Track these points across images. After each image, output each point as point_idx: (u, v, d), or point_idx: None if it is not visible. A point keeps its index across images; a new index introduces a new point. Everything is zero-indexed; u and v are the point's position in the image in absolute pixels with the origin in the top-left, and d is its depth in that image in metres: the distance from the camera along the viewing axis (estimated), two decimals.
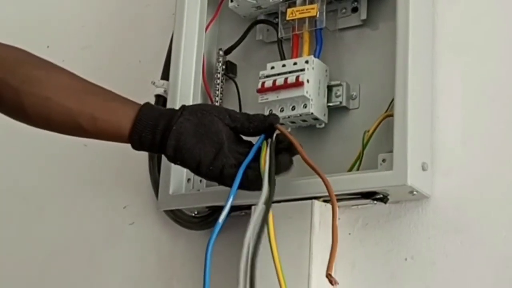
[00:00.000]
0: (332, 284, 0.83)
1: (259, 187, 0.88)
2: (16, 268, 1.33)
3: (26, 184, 1.36)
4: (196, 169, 0.90)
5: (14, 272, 1.33)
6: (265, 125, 0.93)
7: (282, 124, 0.98)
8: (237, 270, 0.85)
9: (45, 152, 1.35)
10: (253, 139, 0.94)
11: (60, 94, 0.91)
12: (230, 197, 0.88)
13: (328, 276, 0.83)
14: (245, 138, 0.95)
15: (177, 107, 1.08)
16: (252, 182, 0.89)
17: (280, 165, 0.90)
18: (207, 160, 0.89)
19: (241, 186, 0.90)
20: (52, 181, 1.34)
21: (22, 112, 0.92)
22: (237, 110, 1.09)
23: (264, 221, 0.86)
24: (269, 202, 0.87)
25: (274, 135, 0.93)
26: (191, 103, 1.10)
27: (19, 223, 1.35)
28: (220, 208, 1.07)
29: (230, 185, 0.89)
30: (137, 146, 0.91)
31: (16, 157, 1.39)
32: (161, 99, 1.17)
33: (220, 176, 0.90)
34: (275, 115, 0.95)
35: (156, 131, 0.89)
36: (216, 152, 0.89)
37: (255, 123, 0.92)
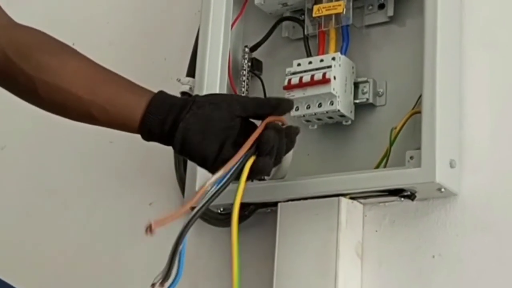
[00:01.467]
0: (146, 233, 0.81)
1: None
2: (44, 261, 1.33)
3: (54, 180, 1.37)
4: (202, 164, 0.91)
5: (42, 265, 1.33)
6: (275, 112, 0.91)
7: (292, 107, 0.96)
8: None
9: (73, 149, 1.36)
10: None
11: (74, 84, 0.91)
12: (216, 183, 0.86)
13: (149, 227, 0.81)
14: None
15: None
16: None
17: (255, 169, 0.88)
18: (211, 156, 0.89)
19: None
20: (78, 177, 1.34)
21: (36, 98, 0.93)
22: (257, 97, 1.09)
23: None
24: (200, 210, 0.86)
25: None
26: None
27: (46, 218, 1.36)
28: (248, 205, 1.09)
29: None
30: (146, 138, 0.92)
31: (44, 154, 1.40)
32: (186, 96, 1.17)
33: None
34: (289, 101, 0.94)
35: (164, 125, 0.89)
36: (221, 148, 0.88)
37: (266, 111, 0.91)
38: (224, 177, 0.86)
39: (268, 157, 0.88)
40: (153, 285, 0.81)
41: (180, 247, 0.84)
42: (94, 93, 0.91)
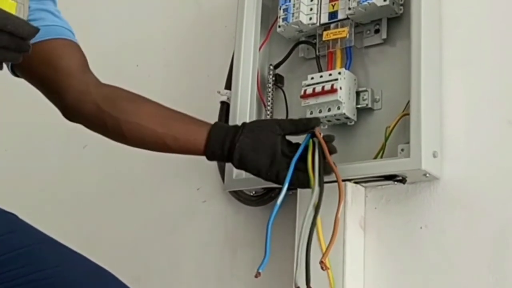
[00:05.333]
0: (323, 270, 0.81)
1: (308, 186, 0.89)
2: (116, 238, 1.33)
3: (123, 174, 1.37)
4: (257, 175, 0.93)
5: (114, 241, 1.33)
6: (308, 128, 0.93)
7: (321, 123, 0.97)
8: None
9: (137, 149, 1.37)
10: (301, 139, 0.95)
11: (150, 121, 0.93)
12: (282, 193, 0.88)
13: (321, 263, 0.81)
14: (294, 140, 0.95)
15: (237, 111, 1.10)
16: (302, 183, 0.91)
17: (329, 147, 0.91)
18: (264, 168, 0.91)
19: (293, 186, 0.91)
20: (142, 169, 1.34)
21: (121, 136, 0.95)
22: (286, 114, 1.11)
23: (313, 224, 0.86)
24: (318, 206, 0.87)
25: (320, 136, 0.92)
26: (248, 108, 1.11)
27: (117, 202, 1.36)
28: (273, 190, 1.09)
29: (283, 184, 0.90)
30: (210, 158, 0.94)
31: (118, 154, 1.39)
32: (225, 105, 1.17)
33: (276, 179, 0.92)
34: (316, 118, 0.95)
35: (224, 147, 0.91)
36: (271, 161, 0.90)
37: (300, 128, 0.93)
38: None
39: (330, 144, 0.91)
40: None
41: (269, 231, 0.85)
42: (167, 127, 0.93)
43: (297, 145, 0.94)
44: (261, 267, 0.83)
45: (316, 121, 0.93)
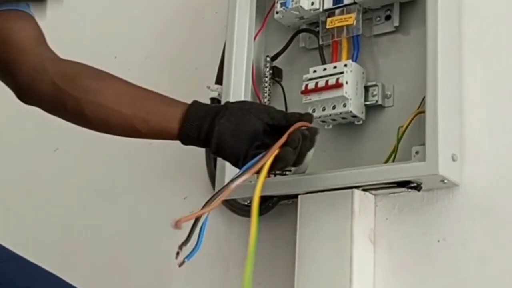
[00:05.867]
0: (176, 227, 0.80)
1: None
2: (95, 249, 1.34)
3: (101, 179, 1.37)
4: (235, 164, 0.92)
5: (91, 255, 1.34)
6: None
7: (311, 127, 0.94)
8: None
9: (118, 152, 1.36)
10: None
11: (116, 101, 0.92)
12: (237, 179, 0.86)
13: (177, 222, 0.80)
14: None
15: None
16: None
17: (279, 158, 0.88)
18: (242, 157, 0.90)
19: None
20: (123, 176, 1.34)
21: (83, 118, 0.94)
22: (280, 109, 1.10)
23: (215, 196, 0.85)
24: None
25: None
26: None
27: (95, 213, 1.36)
28: (271, 198, 1.09)
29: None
30: (185, 142, 0.93)
31: (93, 157, 1.40)
32: (215, 102, 1.16)
33: None
34: (309, 114, 0.94)
35: (201, 130, 0.90)
36: (249, 149, 0.89)
37: (291, 122, 0.91)
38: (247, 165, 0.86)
39: (290, 148, 0.88)
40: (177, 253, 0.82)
41: (203, 219, 0.84)
42: (135, 108, 0.92)
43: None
44: (189, 256, 0.82)
45: (308, 117, 0.93)
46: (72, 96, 0.92)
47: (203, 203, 0.85)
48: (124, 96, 0.93)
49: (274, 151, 0.87)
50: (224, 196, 0.86)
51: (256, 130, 0.89)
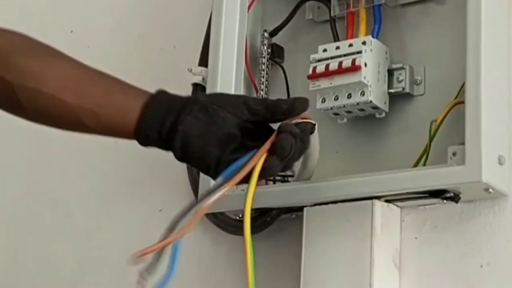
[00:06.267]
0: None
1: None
2: (46, 278, 1.35)
3: (54, 188, 1.38)
4: (206, 172, 0.92)
5: (44, 282, 1.35)
6: (288, 116, 0.90)
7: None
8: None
9: (73, 153, 1.37)
10: None
11: (58, 88, 0.91)
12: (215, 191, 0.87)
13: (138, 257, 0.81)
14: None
15: None
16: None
17: (265, 169, 0.87)
18: (214, 164, 0.89)
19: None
20: (80, 183, 1.36)
21: (17, 107, 0.93)
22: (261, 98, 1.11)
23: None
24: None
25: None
26: (232, 93, 1.11)
27: (47, 230, 1.38)
28: (270, 210, 1.09)
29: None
30: (143, 143, 0.92)
31: (41, 159, 1.40)
32: (199, 88, 1.18)
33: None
34: (301, 101, 0.92)
35: (162, 129, 0.90)
36: (222, 154, 0.89)
37: (277, 116, 0.90)
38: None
39: (275, 156, 0.87)
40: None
41: (171, 241, 0.85)
42: (82, 97, 0.91)
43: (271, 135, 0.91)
44: (160, 286, 0.83)
45: (301, 106, 0.91)
46: (4, 80, 0.91)
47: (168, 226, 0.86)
48: (69, 80, 0.92)
49: (256, 161, 0.86)
50: (196, 218, 0.85)
51: (230, 131, 0.89)
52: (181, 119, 0.89)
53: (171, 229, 0.86)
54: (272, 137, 0.88)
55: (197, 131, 0.89)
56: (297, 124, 0.89)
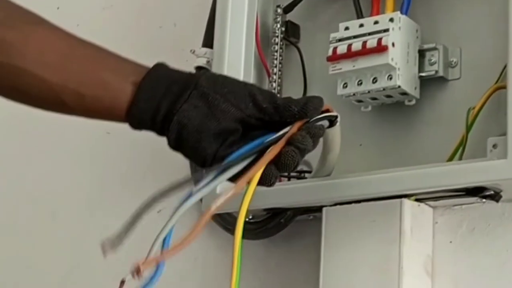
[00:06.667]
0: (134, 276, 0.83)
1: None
2: (32, 283, 1.37)
3: (39, 185, 1.39)
4: (201, 166, 0.91)
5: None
6: (299, 118, 0.89)
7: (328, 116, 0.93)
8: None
9: (61, 144, 1.37)
10: None
11: (37, 63, 0.90)
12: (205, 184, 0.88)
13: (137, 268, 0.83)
14: None
15: None
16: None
17: (263, 177, 0.88)
18: (211, 158, 0.89)
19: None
20: (69, 180, 1.36)
21: None
22: (303, 87, 1.12)
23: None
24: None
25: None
26: (241, 77, 1.12)
27: (32, 231, 1.38)
28: (285, 211, 1.09)
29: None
30: (136, 128, 0.92)
31: (21, 151, 1.41)
32: None
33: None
34: (315, 103, 0.90)
35: (156, 116, 0.89)
36: (220, 146, 0.89)
37: (287, 119, 0.89)
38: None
39: (274, 167, 0.88)
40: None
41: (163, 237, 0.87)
42: (65, 74, 0.90)
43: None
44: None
45: (314, 107, 0.89)
46: None
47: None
48: (50, 54, 0.90)
49: (257, 170, 0.87)
50: (198, 229, 0.87)
51: (229, 126, 0.89)
52: (178, 107, 0.88)
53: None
54: (271, 153, 0.87)
55: (193, 124, 0.88)
56: (309, 128, 0.89)
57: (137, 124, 0.91)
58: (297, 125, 0.88)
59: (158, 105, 0.89)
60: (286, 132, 0.88)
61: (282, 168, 0.87)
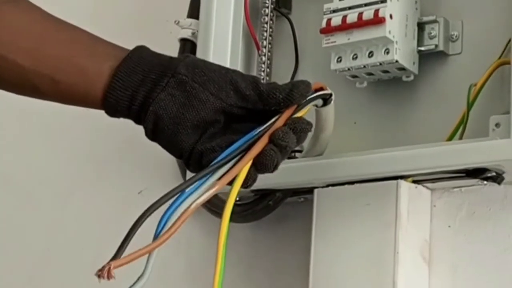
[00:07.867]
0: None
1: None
2: (6, 269, 1.37)
3: (9, 168, 1.40)
4: (179, 158, 0.93)
5: (3, 274, 1.37)
6: (285, 105, 0.89)
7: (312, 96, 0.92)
8: None
9: (36, 125, 1.37)
10: None
11: (10, 45, 0.90)
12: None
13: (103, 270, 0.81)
14: None
15: (210, 55, 1.10)
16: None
17: (249, 175, 0.88)
18: (188, 152, 0.90)
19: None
20: (42, 162, 1.36)
21: None
22: (295, 63, 1.12)
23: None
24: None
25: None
26: (228, 51, 1.12)
27: (2, 219, 1.39)
28: (273, 193, 1.09)
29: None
30: (112, 116, 0.92)
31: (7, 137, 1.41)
32: (188, 44, 1.19)
33: (198, 164, 0.90)
34: (301, 89, 0.89)
35: (132, 105, 0.89)
36: (199, 139, 0.90)
37: (271, 107, 0.89)
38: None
39: (254, 168, 0.88)
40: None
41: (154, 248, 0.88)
42: (39, 59, 0.90)
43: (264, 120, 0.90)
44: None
45: (300, 94, 0.89)
46: None
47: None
48: (23, 36, 0.91)
49: (240, 169, 0.87)
50: (182, 219, 0.88)
51: (208, 117, 0.89)
52: (154, 96, 0.88)
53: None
54: (263, 140, 0.87)
55: (170, 115, 0.88)
56: (295, 123, 0.88)
57: (113, 112, 0.91)
58: (286, 114, 0.88)
59: (134, 94, 0.89)
60: (272, 124, 0.87)
61: (260, 168, 0.88)
